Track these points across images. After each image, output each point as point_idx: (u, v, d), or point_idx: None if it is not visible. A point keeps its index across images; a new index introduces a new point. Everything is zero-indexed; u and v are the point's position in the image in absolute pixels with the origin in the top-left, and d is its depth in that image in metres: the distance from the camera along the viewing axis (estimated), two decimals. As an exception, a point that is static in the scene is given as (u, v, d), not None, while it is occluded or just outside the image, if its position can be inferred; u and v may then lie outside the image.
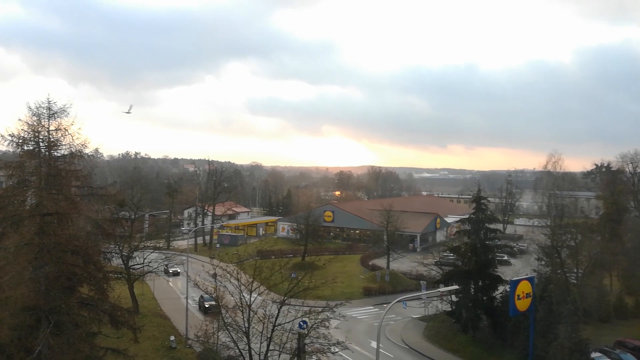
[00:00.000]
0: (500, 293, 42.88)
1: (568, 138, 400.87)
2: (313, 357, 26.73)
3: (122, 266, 49.55)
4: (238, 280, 27.73)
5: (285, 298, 27.24)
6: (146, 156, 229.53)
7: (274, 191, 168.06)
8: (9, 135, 28.32)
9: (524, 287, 34.09)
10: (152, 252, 55.47)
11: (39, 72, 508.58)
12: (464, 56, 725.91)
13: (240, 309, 26.76)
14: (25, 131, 28.47)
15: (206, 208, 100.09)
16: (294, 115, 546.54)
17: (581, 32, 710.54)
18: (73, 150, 29.59)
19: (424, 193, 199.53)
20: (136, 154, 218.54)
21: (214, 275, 30.35)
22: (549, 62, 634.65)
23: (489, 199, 50.73)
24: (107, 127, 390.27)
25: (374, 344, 40.09)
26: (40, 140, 28.73)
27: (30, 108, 28.73)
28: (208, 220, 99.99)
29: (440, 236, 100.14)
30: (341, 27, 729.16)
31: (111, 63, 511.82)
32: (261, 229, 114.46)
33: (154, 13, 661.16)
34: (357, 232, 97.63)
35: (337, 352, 27.65)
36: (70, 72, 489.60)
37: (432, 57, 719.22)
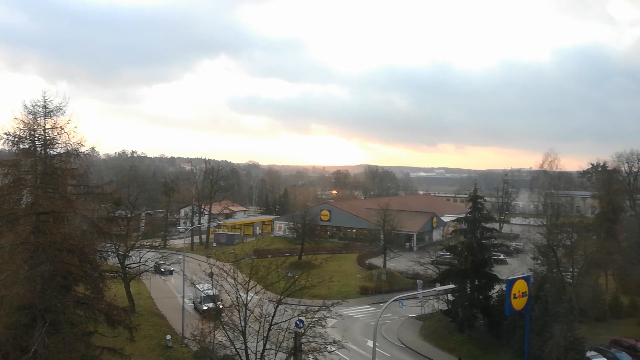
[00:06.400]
0: (496, 292, 43.02)
1: (558, 136, 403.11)
2: (309, 356, 26.70)
3: (119, 265, 49.44)
4: (234, 279, 27.70)
5: (282, 297, 27.20)
6: (142, 155, 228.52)
7: (270, 190, 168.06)
8: (5, 133, 28.20)
9: (520, 286, 34.14)
10: (148, 251, 55.38)
11: (16, 70, 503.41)
12: (442, 54, 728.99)
13: (237, 308, 26.74)
14: (21, 129, 28.34)
15: (203, 207, 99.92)
16: (280, 114, 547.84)
17: (558, 31, 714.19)
18: (69, 149, 29.41)
19: (421, 192, 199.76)
20: (132, 152, 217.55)
21: (211, 275, 30.30)
22: (526, 61, 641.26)
23: (485, 198, 50.95)
24: (95, 125, 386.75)
25: (370, 343, 40.11)
26: (36, 138, 28.59)
27: (26, 106, 28.62)
28: (205, 219, 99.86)
29: (436, 235, 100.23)
30: (308, 24, 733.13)
31: (85, 60, 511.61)
32: (258, 228, 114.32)
33: (118, 9, 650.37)
34: (354, 231, 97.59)
35: (333, 351, 27.62)
36: (45, 70, 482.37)
37: (411, 55, 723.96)
